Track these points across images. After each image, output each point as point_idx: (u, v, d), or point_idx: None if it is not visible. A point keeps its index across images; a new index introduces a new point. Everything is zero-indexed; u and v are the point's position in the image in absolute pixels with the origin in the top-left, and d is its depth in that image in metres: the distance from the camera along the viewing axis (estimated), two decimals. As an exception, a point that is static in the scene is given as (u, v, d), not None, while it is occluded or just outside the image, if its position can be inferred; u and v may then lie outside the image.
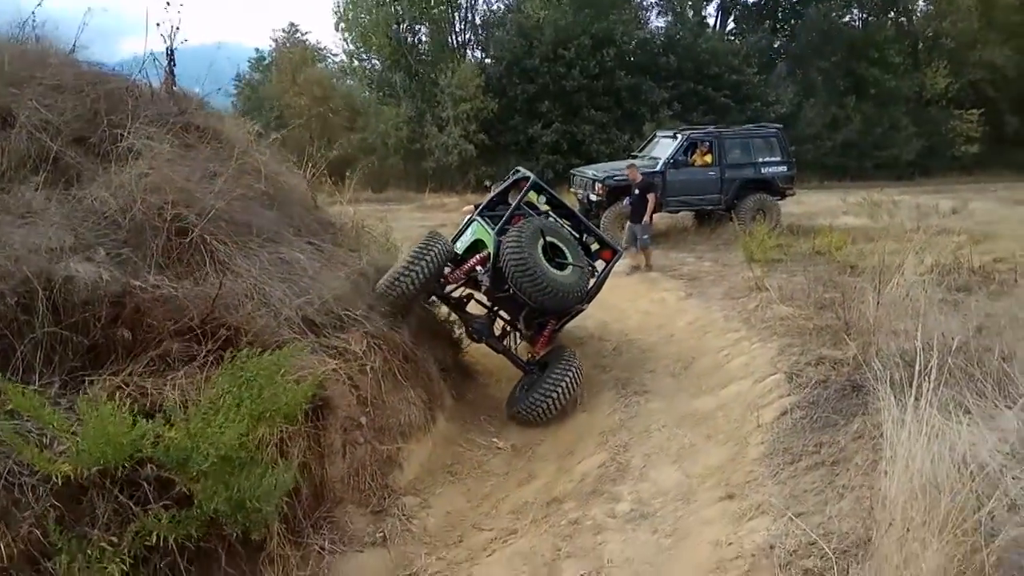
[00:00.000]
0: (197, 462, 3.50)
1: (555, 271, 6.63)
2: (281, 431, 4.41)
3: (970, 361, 3.88)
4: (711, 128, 14.23)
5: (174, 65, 7.82)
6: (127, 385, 4.30)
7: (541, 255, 6.59)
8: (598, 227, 12.11)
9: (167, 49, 7.71)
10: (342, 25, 29.02)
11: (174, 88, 7.88)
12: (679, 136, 13.07)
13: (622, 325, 8.85)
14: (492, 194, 8.10)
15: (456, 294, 7.36)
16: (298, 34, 29.56)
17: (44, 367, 4.27)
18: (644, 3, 31.71)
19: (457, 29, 29.64)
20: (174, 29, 7.57)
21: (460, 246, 7.30)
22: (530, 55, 26.85)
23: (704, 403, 5.80)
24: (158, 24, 7.52)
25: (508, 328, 7.55)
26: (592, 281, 7.23)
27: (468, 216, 7.75)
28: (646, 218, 11.02)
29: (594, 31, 26.54)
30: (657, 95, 27.33)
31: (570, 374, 6.55)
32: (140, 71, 7.26)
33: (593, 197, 12.69)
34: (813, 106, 29.96)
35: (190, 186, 5.66)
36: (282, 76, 27.37)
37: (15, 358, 4.02)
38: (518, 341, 7.77)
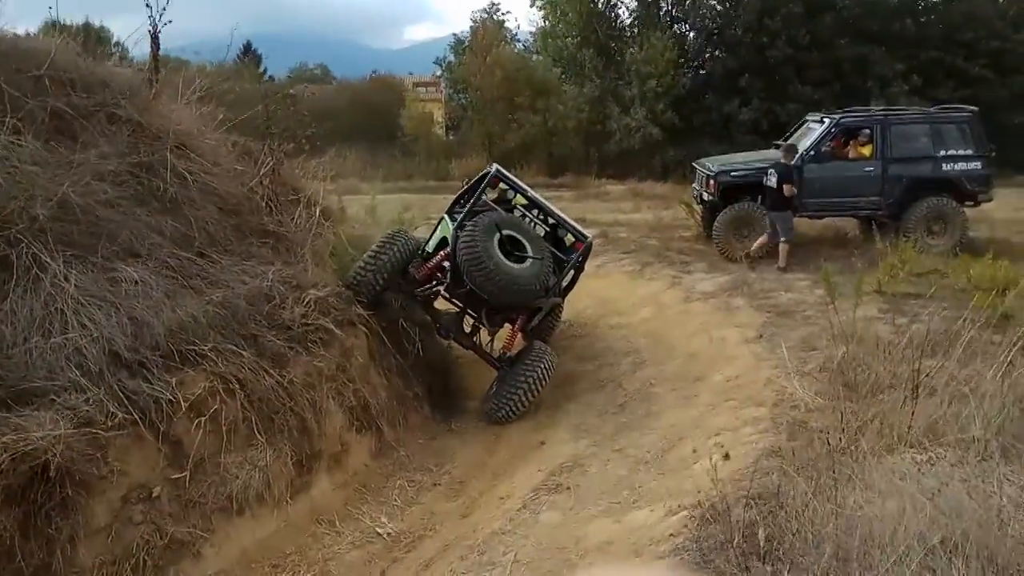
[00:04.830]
0: None
1: (511, 264, 6.51)
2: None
3: None
4: (877, 110, 10.93)
5: (158, 49, 7.40)
6: None
7: (497, 248, 6.49)
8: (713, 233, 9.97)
9: (151, 32, 7.28)
10: (538, 3, 27.91)
11: (156, 72, 7.43)
12: (826, 121, 10.07)
13: (655, 370, 6.87)
14: (461, 190, 7.87)
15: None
16: (498, 14, 29.05)
17: None
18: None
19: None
20: (160, 10, 7.09)
21: (431, 244, 7.27)
22: (732, 24, 23.86)
23: (598, 529, 3.91)
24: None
25: (477, 325, 7.27)
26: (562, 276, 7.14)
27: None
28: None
29: (808, -5, 22.79)
30: (888, 67, 22.87)
31: (539, 368, 6.45)
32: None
33: (705, 196, 10.25)
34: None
35: (34, 190, 4.94)
36: (474, 58, 27.00)
37: None
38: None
